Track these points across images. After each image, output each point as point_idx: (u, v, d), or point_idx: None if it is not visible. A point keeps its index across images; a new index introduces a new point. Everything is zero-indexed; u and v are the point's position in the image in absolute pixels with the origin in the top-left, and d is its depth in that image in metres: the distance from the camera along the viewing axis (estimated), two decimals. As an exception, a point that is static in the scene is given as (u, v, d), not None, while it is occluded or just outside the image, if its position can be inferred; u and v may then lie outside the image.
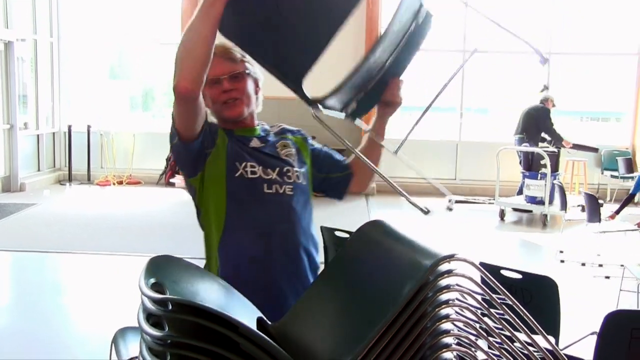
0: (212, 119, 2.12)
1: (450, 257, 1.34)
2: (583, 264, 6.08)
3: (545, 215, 7.97)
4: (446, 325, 1.33)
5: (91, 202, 9.06)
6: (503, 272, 3.11)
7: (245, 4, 1.72)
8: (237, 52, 2.01)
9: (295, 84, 1.69)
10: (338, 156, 2.30)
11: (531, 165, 8.31)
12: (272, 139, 2.17)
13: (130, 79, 11.63)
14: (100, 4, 10.86)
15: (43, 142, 10.43)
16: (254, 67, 2.06)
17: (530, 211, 8.41)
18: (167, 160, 10.45)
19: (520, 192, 8.51)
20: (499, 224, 8.24)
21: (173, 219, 7.68)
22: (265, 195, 2.04)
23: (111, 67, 11.62)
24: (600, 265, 5.97)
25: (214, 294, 1.45)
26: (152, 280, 1.31)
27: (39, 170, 10.34)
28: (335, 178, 2.26)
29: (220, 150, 2.05)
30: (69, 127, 10.51)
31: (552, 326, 2.96)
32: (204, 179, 2.06)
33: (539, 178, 8.05)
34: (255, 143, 2.12)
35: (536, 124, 8.61)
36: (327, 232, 3.33)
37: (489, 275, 1.36)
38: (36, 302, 4.89)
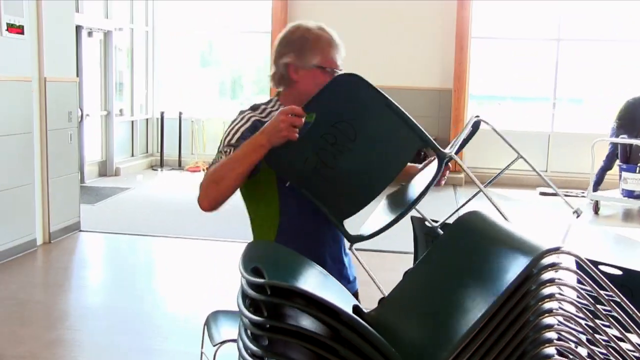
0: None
1: (555, 250, 1.29)
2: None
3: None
4: (549, 320, 1.29)
5: (181, 188, 9.32)
6: (602, 267, 2.98)
7: (300, 153, 1.86)
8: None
9: (338, 221, 1.91)
10: None
11: (629, 157, 7.94)
12: None
13: (220, 67, 11.87)
14: (193, -6, 11.10)
15: (137, 128, 10.80)
16: None
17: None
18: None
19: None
20: (593, 217, 7.93)
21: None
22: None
23: (202, 55, 11.88)
24: None
25: (312, 280, 1.46)
26: (252, 265, 1.33)
27: (132, 155, 10.72)
28: None
29: (266, 170, 1.95)
30: (162, 114, 10.84)
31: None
32: (251, 192, 2.09)
33: (637, 171, 7.69)
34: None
35: (636, 115, 8.18)
36: (418, 221, 3.29)
37: (596, 270, 1.31)
38: (130, 282, 5.09)
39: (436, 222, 3.16)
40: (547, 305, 1.29)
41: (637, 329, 1.31)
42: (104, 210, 7.47)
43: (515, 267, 1.28)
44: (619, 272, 2.94)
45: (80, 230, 6.32)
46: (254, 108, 2.08)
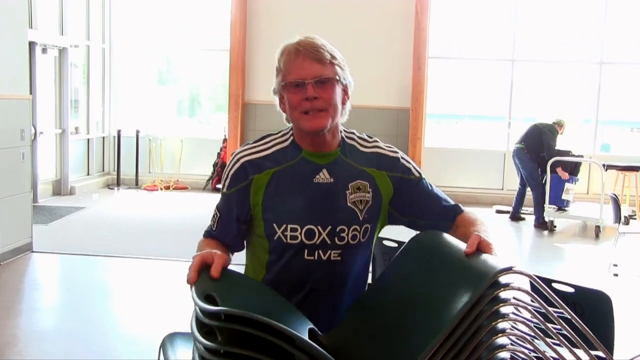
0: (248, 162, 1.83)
1: (507, 270, 1.30)
2: None
3: (598, 227, 7.81)
4: (502, 340, 1.30)
5: (139, 207, 9.19)
6: (555, 285, 3.03)
7: None
8: (327, 51, 1.74)
9: None
10: (446, 199, 1.88)
11: (573, 170, 8.50)
12: (351, 171, 1.78)
13: (177, 84, 11.80)
14: (150, 12, 11.03)
15: (93, 146, 10.63)
16: (345, 71, 1.78)
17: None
18: (214, 166, 10.55)
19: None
20: (547, 234, 8.07)
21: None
22: (305, 261, 1.76)
23: (159, 72, 11.79)
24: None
25: (266, 304, 1.45)
26: (205, 291, 1.31)
27: (88, 174, 10.54)
28: (439, 225, 1.79)
29: (257, 211, 1.77)
30: (119, 132, 10.69)
31: (605, 343, 2.85)
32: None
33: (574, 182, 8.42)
34: (323, 176, 1.77)
35: (540, 139, 8.41)
36: (376, 240, 3.29)
37: (547, 289, 1.33)
38: (84, 304, 4.97)
39: (396, 242, 3.17)
40: (500, 325, 1.30)
41: (585, 345, 1.32)
42: (58, 230, 7.31)
43: (469, 288, 1.29)
44: (572, 290, 3.00)
45: (32, 251, 6.15)
46: (259, 139, 1.86)
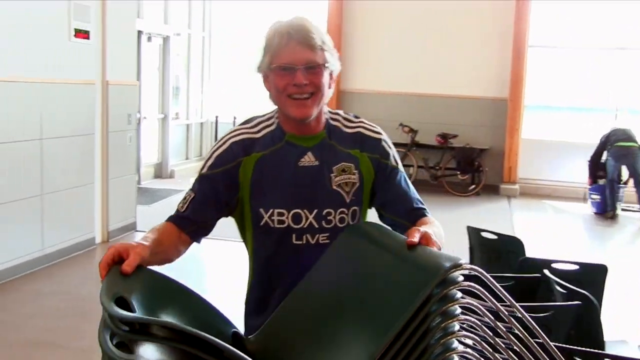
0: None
1: (456, 267, 1.19)
2: None
3: None
4: (452, 341, 1.19)
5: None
6: (556, 265, 2.91)
7: None
8: (317, 37, 1.68)
9: None
10: (414, 200, 1.81)
11: None
12: (336, 154, 1.76)
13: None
14: (249, 1, 11.26)
15: (192, 131, 10.98)
16: (333, 57, 1.73)
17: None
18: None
19: None
20: None
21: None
22: (294, 245, 1.73)
23: (256, 60, 11.99)
24: None
25: (184, 311, 1.31)
26: (116, 292, 1.16)
27: (187, 158, 10.90)
28: (396, 222, 1.78)
29: (244, 194, 1.74)
30: (216, 118, 11.01)
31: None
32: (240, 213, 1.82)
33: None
34: (308, 160, 1.74)
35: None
36: (473, 232, 3.26)
37: (497, 285, 1.23)
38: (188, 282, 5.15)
39: (493, 232, 3.13)
40: (450, 326, 1.19)
41: (533, 342, 1.23)
42: (159, 211, 7.61)
43: (414, 286, 1.17)
44: (576, 267, 2.86)
45: (137, 230, 6.46)
46: (247, 121, 1.84)
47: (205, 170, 1.77)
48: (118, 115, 6.11)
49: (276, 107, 1.79)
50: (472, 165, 9.27)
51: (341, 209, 1.72)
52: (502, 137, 9.67)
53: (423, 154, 9.57)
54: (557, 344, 1.66)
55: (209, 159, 1.78)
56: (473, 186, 9.33)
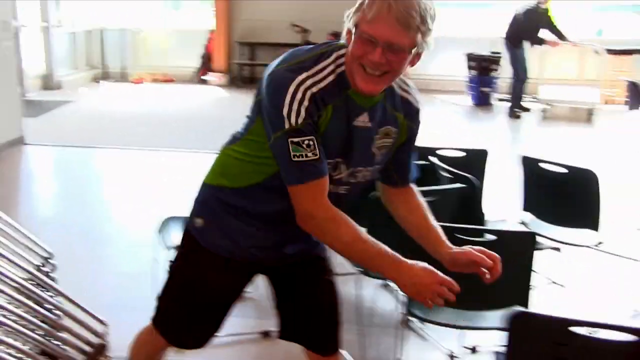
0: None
1: None
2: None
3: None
4: None
5: (127, 99, 9.16)
6: (544, 165, 3.14)
7: None
8: (417, 17, 1.53)
9: None
10: (410, 166, 1.88)
11: None
12: (385, 116, 1.73)
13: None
14: None
15: (78, 40, 10.45)
16: (427, 38, 1.59)
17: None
18: (202, 57, 10.43)
19: None
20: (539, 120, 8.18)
21: (207, 114, 7.95)
22: None
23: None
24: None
25: None
26: None
27: (76, 68, 10.42)
28: (384, 177, 1.86)
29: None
30: (103, 26, 10.49)
31: (593, 218, 3.00)
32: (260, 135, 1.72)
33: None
34: (362, 120, 1.69)
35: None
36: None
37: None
38: (80, 193, 5.07)
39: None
40: None
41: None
42: (49, 123, 7.33)
43: None
44: (565, 170, 3.11)
45: (25, 144, 6.20)
46: (303, 67, 1.63)
47: (300, 123, 1.60)
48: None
49: (336, 54, 1.67)
50: None
51: (370, 167, 1.75)
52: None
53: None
54: (441, 223, 1.81)
55: (298, 112, 1.60)
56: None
